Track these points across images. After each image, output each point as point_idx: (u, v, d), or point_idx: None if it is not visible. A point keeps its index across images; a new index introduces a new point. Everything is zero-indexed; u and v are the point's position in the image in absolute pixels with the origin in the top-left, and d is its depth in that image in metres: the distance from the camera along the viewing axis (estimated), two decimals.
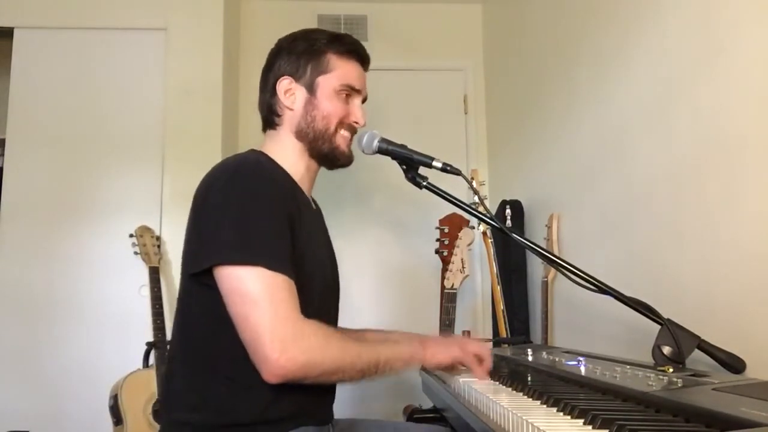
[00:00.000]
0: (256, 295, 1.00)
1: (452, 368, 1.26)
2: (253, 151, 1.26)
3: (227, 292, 1.03)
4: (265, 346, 0.98)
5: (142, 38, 2.80)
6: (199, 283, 1.08)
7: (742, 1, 1.31)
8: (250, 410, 1.08)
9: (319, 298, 1.18)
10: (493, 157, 3.21)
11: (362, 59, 1.31)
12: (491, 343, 2.15)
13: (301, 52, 1.26)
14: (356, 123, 1.29)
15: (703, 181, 1.42)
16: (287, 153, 1.26)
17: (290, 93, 1.26)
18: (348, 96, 1.27)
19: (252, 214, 1.06)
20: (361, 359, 1.07)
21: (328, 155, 1.28)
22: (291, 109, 1.26)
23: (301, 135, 1.26)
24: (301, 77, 1.25)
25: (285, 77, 1.25)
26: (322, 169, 1.33)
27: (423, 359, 1.17)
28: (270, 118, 1.28)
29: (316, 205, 1.38)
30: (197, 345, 1.12)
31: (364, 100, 1.32)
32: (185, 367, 1.13)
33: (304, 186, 1.27)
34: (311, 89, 1.25)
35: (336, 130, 1.26)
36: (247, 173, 1.12)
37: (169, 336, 2.20)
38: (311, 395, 1.11)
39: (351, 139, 1.30)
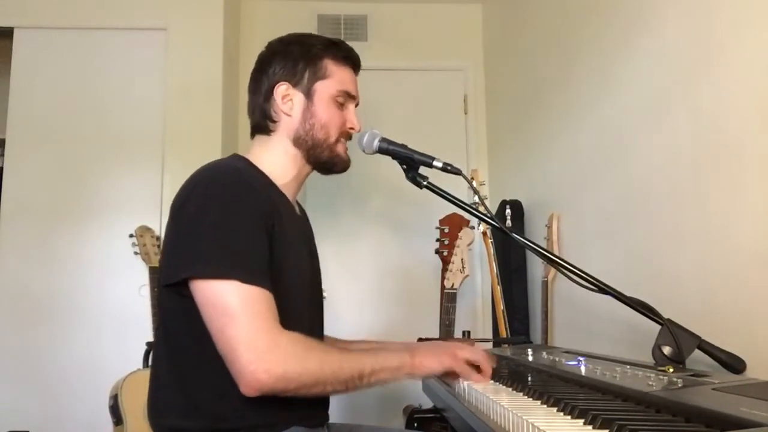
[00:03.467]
0: (231, 308, 0.99)
1: (447, 376, 1.23)
2: (235, 156, 1.25)
3: (203, 305, 1.02)
4: (241, 359, 0.97)
5: (142, 38, 2.80)
6: (177, 293, 1.06)
7: (742, 2, 1.31)
8: (241, 416, 1.07)
9: (299, 306, 1.17)
10: (493, 157, 3.21)
11: (356, 65, 1.31)
12: (491, 343, 2.15)
13: (298, 57, 1.25)
14: (352, 129, 1.29)
15: (703, 181, 1.42)
16: (277, 159, 1.25)
17: (288, 99, 1.24)
18: (343, 102, 1.27)
19: (228, 225, 1.05)
20: (343, 370, 1.05)
21: (327, 162, 1.27)
22: (289, 116, 1.24)
23: (298, 142, 1.25)
24: (298, 83, 1.24)
25: (282, 83, 1.24)
26: None
27: (411, 369, 1.12)
28: (263, 123, 1.26)
29: (302, 210, 1.36)
30: (183, 353, 1.11)
31: (356, 105, 1.31)
32: (173, 374, 1.11)
33: (289, 191, 1.25)
34: (309, 95, 1.24)
35: (337, 140, 1.26)
36: (224, 182, 1.10)
37: None
38: (304, 401, 1.10)
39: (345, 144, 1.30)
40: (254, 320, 0.99)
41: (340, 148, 1.27)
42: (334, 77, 1.25)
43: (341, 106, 1.27)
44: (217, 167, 1.16)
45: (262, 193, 1.15)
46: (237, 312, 0.99)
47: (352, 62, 1.30)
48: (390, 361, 1.11)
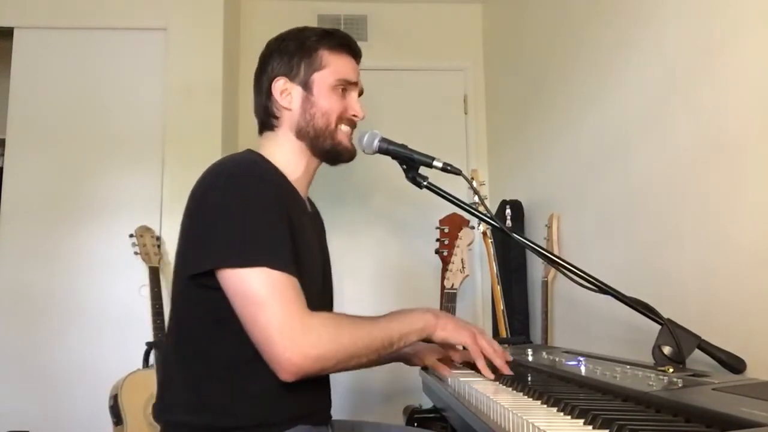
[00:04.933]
0: (262, 296, 1.00)
1: (441, 363, 1.25)
2: (249, 151, 1.25)
3: (233, 294, 1.03)
4: (275, 346, 0.98)
5: (142, 38, 2.80)
6: (198, 284, 1.07)
7: (742, 1, 1.31)
8: (248, 413, 1.07)
9: (313, 298, 1.16)
10: (493, 157, 3.21)
11: (354, 53, 1.30)
12: None
13: (293, 51, 1.25)
14: (355, 116, 1.28)
15: (703, 181, 1.42)
16: (286, 154, 1.25)
17: (286, 93, 1.24)
18: (344, 90, 1.26)
19: (253, 214, 1.06)
20: (375, 341, 1.07)
21: (330, 151, 1.27)
22: (289, 109, 1.25)
23: (301, 134, 1.25)
24: (295, 76, 1.24)
25: (279, 78, 1.24)
26: (322, 169, 1.32)
27: (434, 330, 1.16)
28: (267, 121, 1.27)
29: (313, 206, 1.36)
30: (194, 347, 1.12)
31: (360, 94, 1.31)
32: (182, 369, 1.12)
33: (300, 187, 1.26)
34: (307, 87, 1.24)
35: (336, 126, 1.26)
36: (245, 173, 1.12)
37: None
38: (309, 397, 1.11)
39: (352, 134, 1.29)
40: (285, 306, 1.00)
41: (341, 136, 1.26)
42: (331, 66, 1.25)
43: (343, 94, 1.26)
44: (236, 160, 1.18)
45: (279, 186, 1.16)
46: (268, 299, 1.00)
47: (350, 49, 1.29)
48: (416, 323, 1.15)
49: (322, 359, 1.01)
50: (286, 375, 1.00)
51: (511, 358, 1.22)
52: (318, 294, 1.21)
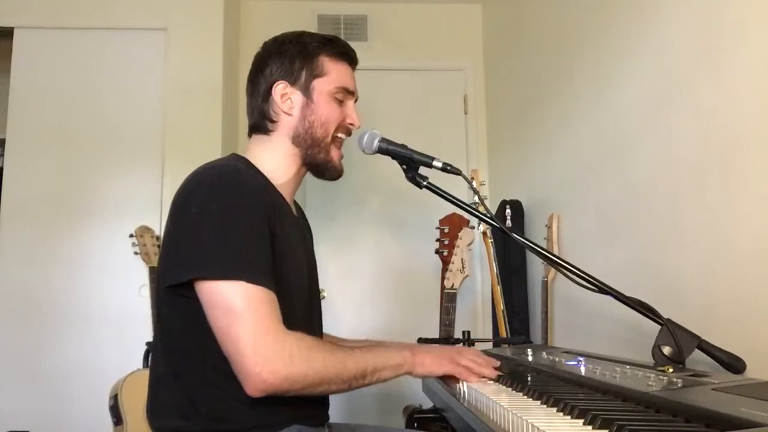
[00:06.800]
0: (237, 309, 0.99)
1: (445, 378, 1.24)
2: (234, 155, 1.25)
3: (209, 306, 1.02)
4: (246, 360, 0.97)
5: (142, 38, 2.80)
6: (179, 294, 1.06)
7: (743, 1, 1.31)
8: (241, 418, 1.07)
9: (298, 307, 1.17)
10: (493, 157, 3.21)
11: (353, 61, 1.31)
12: (491, 343, 2.15)
13: (294, 55, 1.25)
14: (352, 125, 1.29)
15: (703, 181, 1.42)
16: (277, 158, 1.24)
17: (286, 98, 1.24)
18: (342, 99, 1.27)
19: (232, 226, 1.05)
20: (347, 369, 1.06)
21: (320, 165, 1.27)
22: (289, 114, 1.24)
23: (297, 140, 1.24)
24: (296, 81, 1.24)
25: (280, 82, 1.24)
26: None
27: (412, 367, 1.16)
28: (262, 124, 1.26)
29: (299, 210, 1.36)
30: (182, 355, 1.11)
31: (355, 100, 1.31)
32: (172, 375, 1.11)
33: (286, 192, 1.25)
34: (307, 93, 1.24)
35: (334, 138, 1.26)
36: (226, 182, 1.10)
37: None
38: (304, 401, 1.10)
39: (341, 147, 1.29)
40: (260, 321, 0.99)
41: (334, 154, 1.27)
42: (332, 74, 1.25)
43: (340, 102, 1.26)
44: (218, 167, 1.16)
45: (262, 193, 1.15)
46: (242, 313, 0.99)
47: (349, 58, 1.29)
48: (391, 359, 1.14)
49: (290, 379, 0.99)
50: (253, 390, 0.98)
51: (498, 363, 1.22)
52: (302, 299, 1.20)
